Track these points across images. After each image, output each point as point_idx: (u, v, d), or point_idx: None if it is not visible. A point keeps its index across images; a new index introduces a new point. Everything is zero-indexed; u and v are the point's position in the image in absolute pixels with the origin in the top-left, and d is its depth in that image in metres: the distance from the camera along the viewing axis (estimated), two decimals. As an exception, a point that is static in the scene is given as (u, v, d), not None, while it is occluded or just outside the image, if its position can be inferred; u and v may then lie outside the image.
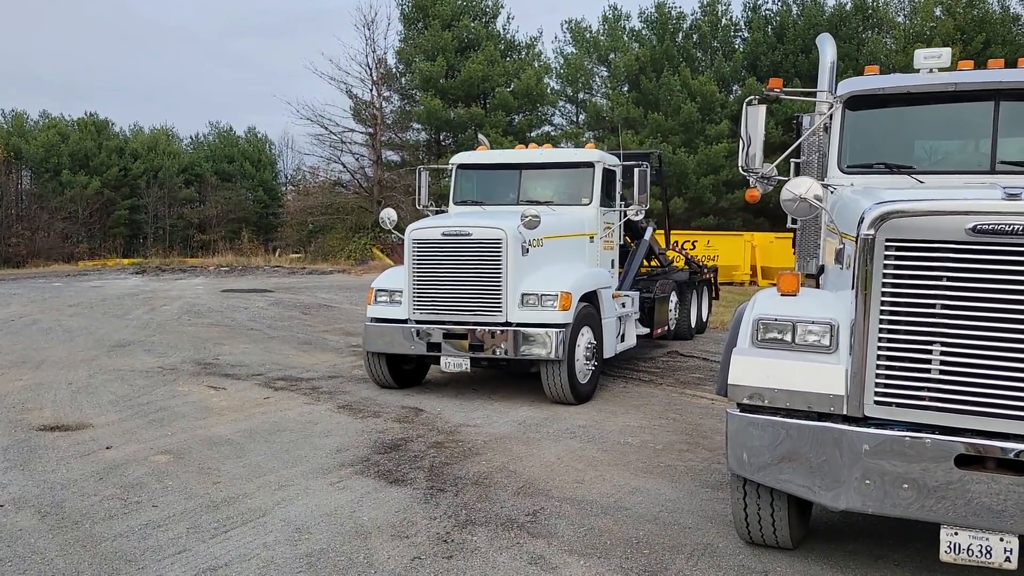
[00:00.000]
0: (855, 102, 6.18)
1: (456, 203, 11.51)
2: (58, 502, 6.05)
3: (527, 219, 9.19)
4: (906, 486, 4.13)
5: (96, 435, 8.02)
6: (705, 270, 16.56)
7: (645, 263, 13.82)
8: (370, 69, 45.32)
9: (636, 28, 46.32)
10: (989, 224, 3.93)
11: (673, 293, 14.03)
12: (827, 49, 7.11)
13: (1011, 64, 6.15)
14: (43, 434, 8.04)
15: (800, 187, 4.94)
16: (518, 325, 9.20)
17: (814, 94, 6.92)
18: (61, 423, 8.49)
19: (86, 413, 8.96)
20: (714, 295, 17.27)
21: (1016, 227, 3.89)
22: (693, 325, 15.21)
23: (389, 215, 10.68)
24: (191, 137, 70.85)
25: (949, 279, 4.06)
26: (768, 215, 35.38)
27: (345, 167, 47.18)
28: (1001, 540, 4.03)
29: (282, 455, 7.33)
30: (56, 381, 10.76)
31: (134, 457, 7.23)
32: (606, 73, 46.35)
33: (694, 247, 23.85)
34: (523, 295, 9.26)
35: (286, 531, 5.47)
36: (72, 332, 15.68)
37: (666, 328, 13.52)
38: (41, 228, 48.36)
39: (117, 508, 5.91)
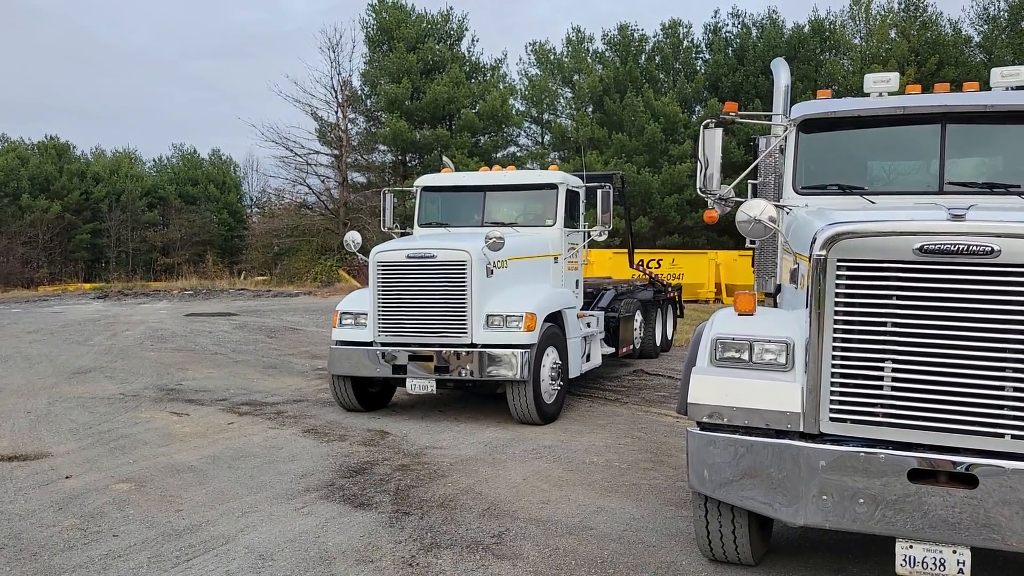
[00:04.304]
0: (808, 125, 6.33)
1: (421, 225, 11.54)
2: (16, 533, 5.94)
3: (491, 241, 9.25)
4: (862, 501, 4.21)
5: (55, 464, 7.89)
6: (669, 288, 16.72)
7: None
8: (335, 91, 45.44)
9: (599, 50, 46.98)
10: (935, 244, 4.06)
11: (638, 312, 14.16)
12: (781, 73, 7.27)
13: (957, 88, 6.34)
14: (0, 464, 7.89)
15: (754, 209, 5.05)
16: (483, 346, 9.23)
17: (769, 117, 7.07)
18: (19, 453, 8.34)
19: (45, 442, 8.81)
20: (679, 313, 17.43)
21: (961, 247, 4.01)
22: (658, 343, 15.35)
23: (353, 238, 10.70)
24: (154, 160, 70.37)
25: (899, 297, 4.17)
26: (732, 233, 35.73)
27: (311, 189, 47.15)
28: (954, 552, 4.12)
29: (246, 481, 7.26)
30: (14, 410, 10.56)
31: (94, 486, 7.13)
32: (570, 94, 46.87)
33: (659, 265, 24.12)
34: (488, 316, 9.29)
35: (250, 558, 5.43)
36: (31, 359, 15.41)
37: (631, 347, 13.63)
38: (0, 253, 47.48)
39: (77, 538, 5.83)
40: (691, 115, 43.26)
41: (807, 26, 43.51)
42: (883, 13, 43.48)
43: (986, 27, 42.19)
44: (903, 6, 43.09)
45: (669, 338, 16.47)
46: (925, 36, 41.10)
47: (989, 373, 4.04)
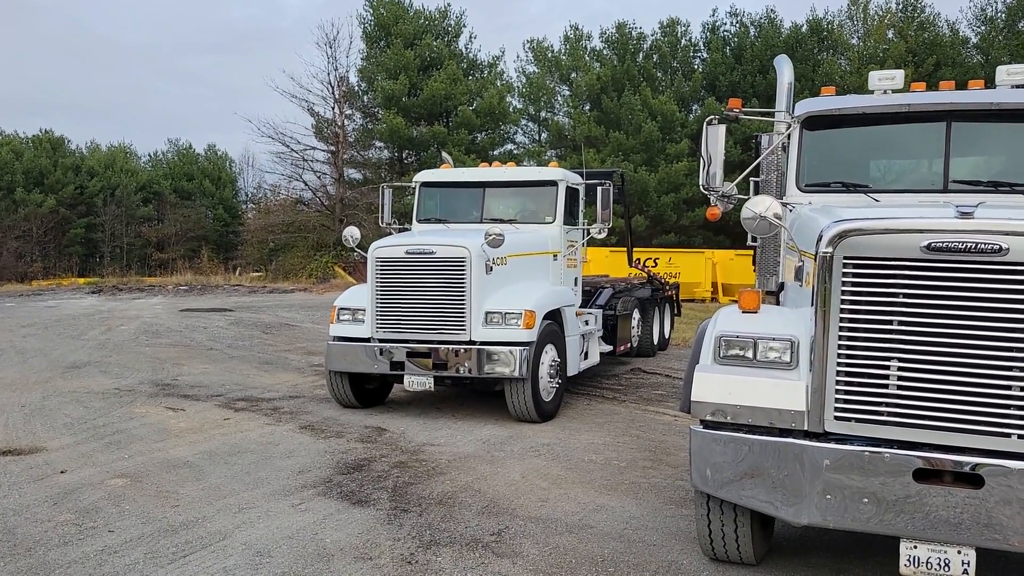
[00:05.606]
0: (812, 122, 6.29)
1: (420, 221, 11.47)
2: (10, 528, 5.89)
3: (491, 237, 9.20)
4: (866, 500, 4.17)
5: (50, 459, 7.82)
6: (667, 287, 16.68)
7: None
8: (332, 87, 45.25)
9: (597, 48, 46.95)
10: (943, 242, 4.02)
11: (635, 310, 14.11)
12: (784, 70, 7.22)
13: (962, 86, 6.30)
14: (-6, 458, 7.84)
15: (760, 205, 5.01)
16: (482, 343, 9.18)
17: (772, 114, 7.02)
18: (13, 447, 8.27)
19: (40, 436, 8.74)
20: (676, 312, 17.40)
21: (969, 244, 3.98)
22: (656, 342, 15.31)
23: (352, 233, 10.64)
24: (149, 155, 70.11)
25: (905, 296, 4.13)
26: (728, 233, 35.88)
27: (307, 185, 46.96)
28: (959, 553, 4.08)
29: (243, 477, 7.21)
30: (8, 404, 10.49)
31: (90, 481, 7.07)
32: (568, 92, 46.81)
33: (656, 264, 24.04)
34: (487, 313, 9.24)
35: (247, 555, 5.38)
36: (25, 353, 15.32)
37: (629, 345, 13.59)
38: (-7, 247, 47.33)
39: (72, 534, 5.77)
40: (688, 114, 43.25)
41: (805, 26, 43.53)
42: (881, 13, 43.53)
43: (983, 28, 42.23)
44: (901, 6, 43.16)
45: (666, 337, 16.44)
46: (923, 37, 41.16)
47: (996, 372, 4.00)
